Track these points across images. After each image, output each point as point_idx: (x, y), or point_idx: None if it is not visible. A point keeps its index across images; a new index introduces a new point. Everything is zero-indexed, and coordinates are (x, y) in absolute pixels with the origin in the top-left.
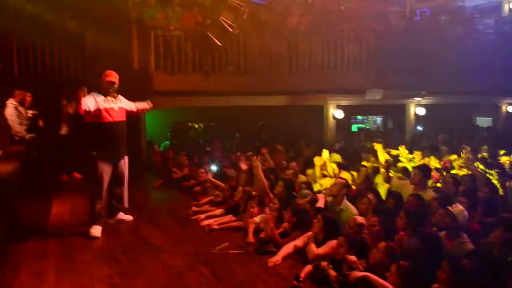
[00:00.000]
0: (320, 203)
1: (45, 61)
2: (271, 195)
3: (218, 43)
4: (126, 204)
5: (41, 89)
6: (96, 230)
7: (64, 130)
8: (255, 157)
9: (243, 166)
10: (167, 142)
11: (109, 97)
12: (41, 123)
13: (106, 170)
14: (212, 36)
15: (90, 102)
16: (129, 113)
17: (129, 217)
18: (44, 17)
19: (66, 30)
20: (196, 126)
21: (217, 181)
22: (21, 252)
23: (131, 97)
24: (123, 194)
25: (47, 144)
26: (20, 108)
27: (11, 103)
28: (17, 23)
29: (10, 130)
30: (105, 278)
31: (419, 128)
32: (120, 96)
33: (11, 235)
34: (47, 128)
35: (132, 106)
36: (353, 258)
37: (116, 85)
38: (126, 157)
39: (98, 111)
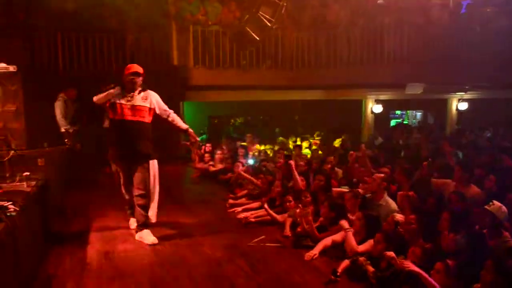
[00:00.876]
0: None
1: (88, 57)
2: (306, 192)
3: (256, 37)
4: (153, 219)
5: (84, 84)
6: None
7: (107, 123)
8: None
9: (280, 161)
10: (204, 136)
11: (129, 93)
12: (84, 117)
13: (121, 173)
14: (250, 31)
15: (102, 94)
16: (160, 116)
17: (147, 238)
18: (87, 14)
19: (107, 26)
20: (233, 120)
21: (249, 176)
22: (65, 240)
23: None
24: (147, 205)
25: (91, 137)
26: (69, 102)
27: (61, 97)
28: (61, 20)
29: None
30: (146, 267)
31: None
32: (150, 95)
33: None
34: (91, 122)
35: (164, 112)
36: (391, 254)
37: (137, 79)
38: (152, 162)
39: (111, 104)
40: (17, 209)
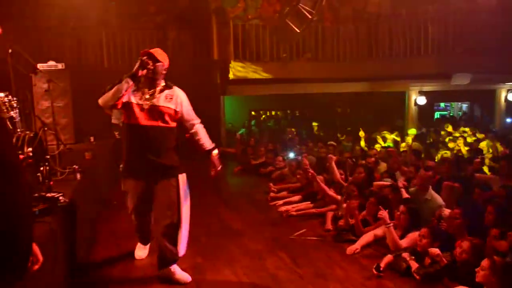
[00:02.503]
0: (405, 194)
1: (131, 53)
2: (352, 185)
3: (297, 30)
4: (181, 251)
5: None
6: (138, 251)
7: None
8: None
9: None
10: (244, 130)
11: (149, 89)
12: None
13: (132, 192)
14: (290, 24)
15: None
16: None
17: (185, 278)
18: (130, 11)
19: (150, 23)
20: (274, 113)
21: (323, 185)
22: (111, 231)
23: (211, 87)
24: (177, 235)
25: None
26: None
27: None
28: (105, 18)
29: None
30: (188, 258)
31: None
32: (176, 93)
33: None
34: None
35: (190, 119)
36: (436, 251)
37: (156, 66)
38: (181, 178)
39: (125, 105)
40: (67, 200)
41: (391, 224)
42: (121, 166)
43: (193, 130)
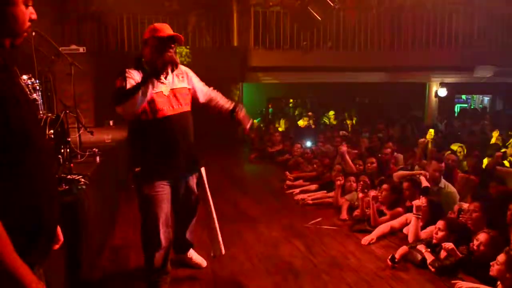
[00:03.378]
0: (424, 183)
1: None
2: (365, 176)
3: (318, 17)
4: (222, 250)
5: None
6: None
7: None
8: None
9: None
10: (260, 118)
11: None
12: None
13: (159, 197)
14: (312, 11)
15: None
16: (197, 102)
17: (201, 261)
18: None
19: (170, 8)
20: (292, 101)
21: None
22: (129, 213)
23: (230, 74)
24: (215, 233)
25: None
26: None
27: None
28: (126, 3)
29: None
30: (204, 244)
31: None
32: (184, 70)
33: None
34: None
35: (206, 91)
36: (450, 245)
37: (174, 48)
38: (202, 170)
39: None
40: (87, 182)
41: (420, 215)
42: (137, 170)
43: (209, 97)
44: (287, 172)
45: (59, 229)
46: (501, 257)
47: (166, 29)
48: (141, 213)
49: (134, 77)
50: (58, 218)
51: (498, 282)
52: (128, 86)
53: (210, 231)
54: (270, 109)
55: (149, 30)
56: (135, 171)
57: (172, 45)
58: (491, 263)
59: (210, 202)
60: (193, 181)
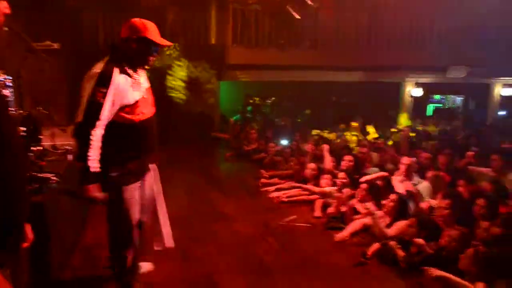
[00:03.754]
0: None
1: None
2: (339, 172)
3: (297, 16)
4: (167, 242)
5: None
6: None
7: None
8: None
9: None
10: (238, 116)
11: (135, 72)
12: None
13: (135, 199)
14: (290, 10)
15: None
16: None
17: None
18: None
19: (148, 5)
20: (269, 101)
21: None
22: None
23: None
24: (160, 226)
25: None
26: None
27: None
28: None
29: None
30: (178, 242)
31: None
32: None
33: None
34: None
35: None
36: (420, 241)
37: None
38: (154, 166)
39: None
40: (59, 180)
41: (377, 214)
42: (114, 174)
43: None
44: (263, 170)
45: (28, 227)
46: (469, 251)
47: (155, 32)
48: (113, 215)
49: (118, 88)
50: (26, 217)
51: (466, 277)
52: (106, 104)
53: (157, 223)
54: (248, 108)
55: (138, 26)
56: (112, 175)
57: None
58: (460, 256)
59: (161, 195)
60: (150, 175)
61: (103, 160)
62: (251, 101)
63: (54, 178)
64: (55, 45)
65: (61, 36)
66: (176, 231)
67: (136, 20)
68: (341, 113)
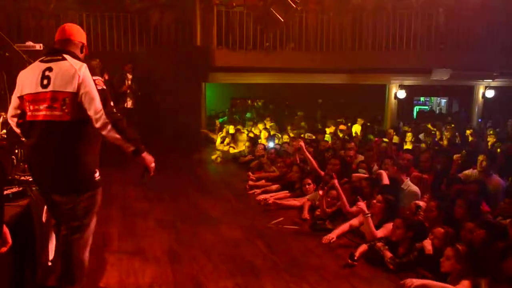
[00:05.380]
0: (385, 181)
1: (113, 37)
2: (323, 173)
3: (281, 19)
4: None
5: (108, 63)
6: None
7: (129, 104)
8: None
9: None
10: (225, 118)
11: None
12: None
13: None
14: (275, 12)
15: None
16: None
17: None
18: None
19: (132, 6)
20: (255, 103)
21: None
22: None
23: (192, 74)
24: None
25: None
26: None
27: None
28: (87, 1)
29: None
30: (164, 244)
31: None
32: None
33: None
34: (114, 102)
35: None
36: (389, 254)
37: None
38: None
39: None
40: None
41: (369, 214)
42: (97, 175)
43: None
44: (250, 173)
45: (6, 231)
46: (449, 252)
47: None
48: (89, 217)
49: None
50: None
51: (449, 277)
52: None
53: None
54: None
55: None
56: (95, 178)
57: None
58: (440, 260)
59: None
60: None
61: (84, 163)
62: (237, 103)
63: None
64: (38, 46)
65: (44, 37)
66: (163, 233)
67: (79, 28)
68: (327, 115)
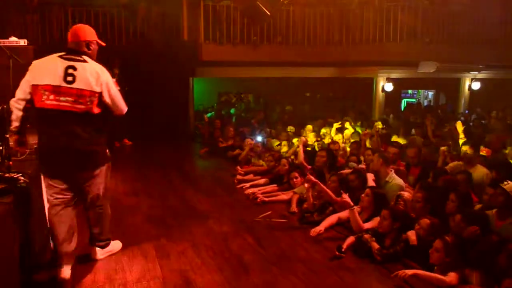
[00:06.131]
0: (370, 181)
1: (98, 31)
2: (309, 167)
3: (268, 12)
4: None
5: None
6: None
7: None
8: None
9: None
10: (213, 113)
11: None
12: None
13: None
14: (261, 6)
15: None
16: None
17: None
18: None
19: (119, 1)
20: (243, 96)
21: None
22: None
23: (179, 68)
24: None
25: None
26: None
27: None
28: None
29: None
30: (153, 239)
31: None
32: None
33: None
34: None
35: None
36: (376, 246)
37: None
38: None
39: None
40: (27, 180)
41: (354, 207)
42: (108, 151)
43: None
44: (238, 167)
45: None
46: (437, 244)
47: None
48: (104, 188)
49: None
50: None
51: (436, 267)
52: None
53: None
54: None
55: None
56: (107, 154)
57: None
58: (429, 251)
59: None
60: None
61: (98, 152)
62: (225, 97)
63: (22, 178)
64: (22, 42)
65: (29, 32)
66: (151, 229)
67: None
68: (316, 109)
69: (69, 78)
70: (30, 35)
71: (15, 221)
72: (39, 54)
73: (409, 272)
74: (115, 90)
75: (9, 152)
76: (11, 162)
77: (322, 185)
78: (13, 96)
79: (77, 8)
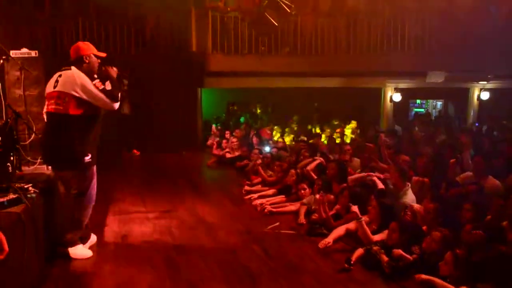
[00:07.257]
0: (380, 184)
1: (108, 43)
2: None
3: (275, 23)
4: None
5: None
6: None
7: (126, 109)
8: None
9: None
10: (219, 123)
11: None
12: None
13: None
14: (269, 17)
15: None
16: None
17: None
18: (108, 1)
19: (128, 12)
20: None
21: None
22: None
23: (188, 79)
24: None
25: (111, 122)
26: None
27: None
28: (83, 7)
29: None
30: (161, 251)
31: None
32: None
33: None
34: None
35: None
36: (399, 251)
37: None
38: None
39: None
40: (37, 191)
41: (362, 219)
42: (87, 158)
43: None
44: (246, 178)
45: (3, 238)
46: (448, 256)
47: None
48: (84, 187)
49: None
50: None
51: (448, 280)
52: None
53: None
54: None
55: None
56: (85, 161)
57: None
58: (439, 264)
59: None
60: None
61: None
62: (233, 108)
63: (33, 188)
64: (33, 53)
65: (41, 44)
66: (159, 240)
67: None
68: (324, 119)
69: (55, 84)
70: (41, 46)
71: (24, 231)
72: (50, 66)
73: (424, 277)
74: (92, 88)
75: (20, 162)
76: (21, 172)
77: (329, 215)
78: (25, 106)
79: (87, 20)
